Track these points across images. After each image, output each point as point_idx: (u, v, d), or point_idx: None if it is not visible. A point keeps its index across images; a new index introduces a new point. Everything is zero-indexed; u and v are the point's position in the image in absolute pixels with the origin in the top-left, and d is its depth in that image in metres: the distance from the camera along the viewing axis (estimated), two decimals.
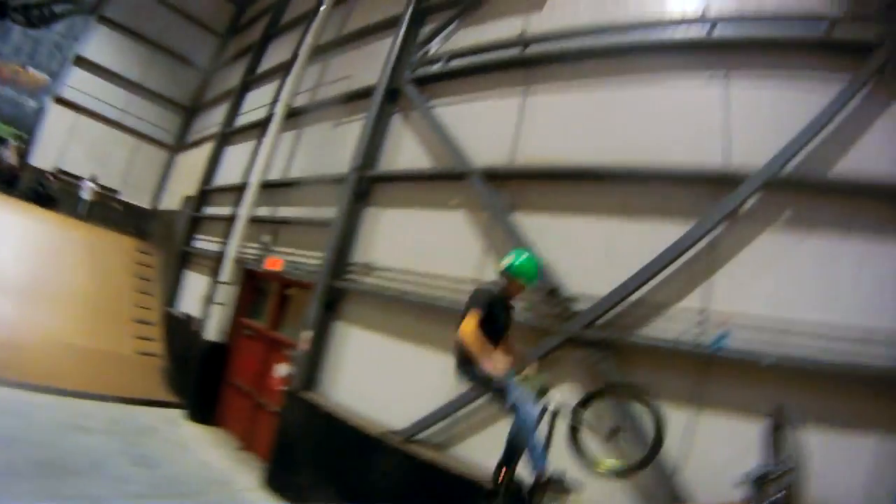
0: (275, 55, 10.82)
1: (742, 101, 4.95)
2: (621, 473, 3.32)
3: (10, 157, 13.58)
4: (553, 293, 5.12)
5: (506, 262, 3.64)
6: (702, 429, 4.31)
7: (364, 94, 7.50)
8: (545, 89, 5.99)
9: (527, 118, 5.98)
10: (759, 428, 3.80)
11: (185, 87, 14.98)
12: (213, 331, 8.92)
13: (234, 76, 12.09)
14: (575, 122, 5.66)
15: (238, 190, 9.41)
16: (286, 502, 6.24)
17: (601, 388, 3.42)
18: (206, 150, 11.62)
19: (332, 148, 7.79)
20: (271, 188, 8.82)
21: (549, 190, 5.54)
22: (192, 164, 12.26)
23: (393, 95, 7.18)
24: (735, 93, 5.01)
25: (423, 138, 6.77)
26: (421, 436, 5.47)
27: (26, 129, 14.09)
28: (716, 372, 4.42)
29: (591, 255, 5.17)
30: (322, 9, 8.87)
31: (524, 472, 3.52)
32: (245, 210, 8.79)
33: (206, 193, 11.08)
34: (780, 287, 4.41)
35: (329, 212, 7.25)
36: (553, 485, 3.25)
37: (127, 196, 14.75)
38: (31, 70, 14.12)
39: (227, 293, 8.89)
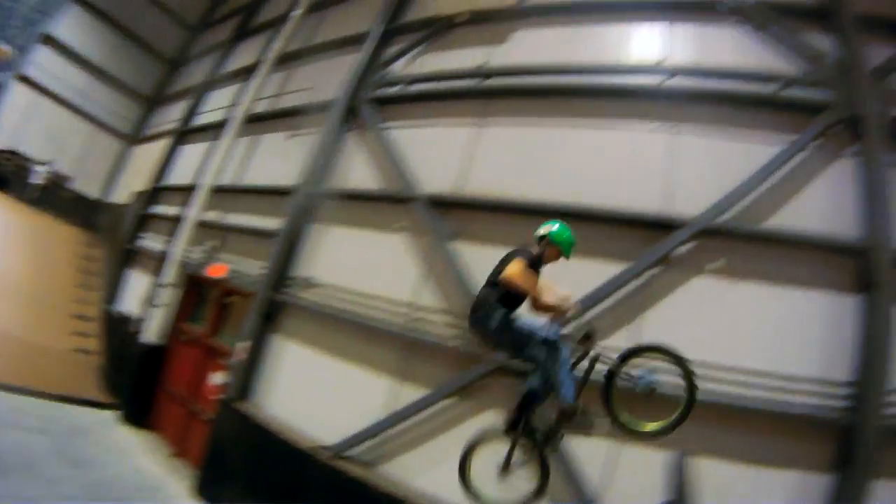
0: (241, 57, 10.70)
1: (688, 150, 5.24)
2: (659, 433, 3.33)
3: None
4: None
5: (546, 228, 3.64)
6: (624, 460, 4.50)
7: (322, 108, 7.49)
8: (499, 122, 6.15)
9: (478, 149, 6.10)
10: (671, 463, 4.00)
11: (149, 77, 14.59)
12: (151, 333, 8.67)
13: (198, 73, 11.90)
14: (524, 157, 5.82)
15: (189, 191, 9.22)
16: None
17: (641, 346, 3.43)
18: (161, 145, 11.33)
19: (286, 159, 7.73)
20: (222, 193, 8.68)
21: (493, 222, 5.65)
22: (146, 158, 11.92)
23: (350, 113, 7.19)
24: (682, 141, 5.28)
25: (375, 159, 6.80)
26: (351, 452, 5.47)
27: None
28: (640, 407, 4.58)
29: None
30: (294, 14, 8.88)
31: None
32: (194, 212, 8.62)
33: (157, 191, 10.80)
34: (708, 331, 4.62)
35: (276, 223, 7.18)
36: (578, 418, 3.29)
37: (79, 185, 14.25)
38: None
39: (168, 296, 8.67)
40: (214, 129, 9.46)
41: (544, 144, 5.78)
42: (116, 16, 14.41)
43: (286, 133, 8.19)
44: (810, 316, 4.40)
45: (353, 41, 7.88)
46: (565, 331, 3.55)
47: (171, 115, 11.81)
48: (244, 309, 7.17)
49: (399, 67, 7.27)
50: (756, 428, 4.21)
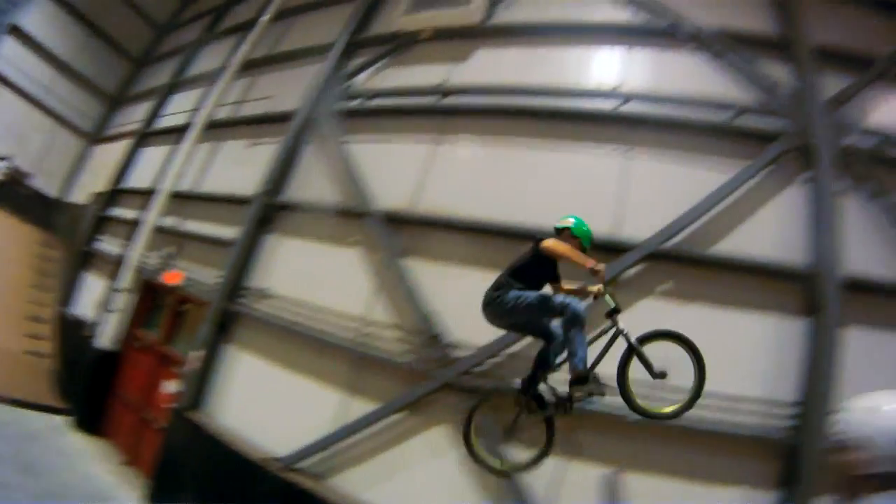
0: (207, 60, 10.58)
1: (640, 174, 5.40)
2: (673, 415, 3.42)
3: None
4: (434, 339, 5.29)
5: (567, 221, 3.72)
6: (570, 477, 4.60)
7: (283, 118, 7.47)
8: (456, 140, 6.23)
9: (435, 166, 6.18)
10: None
11: (114, 76, 14.25)
12: (106, 338, 8.52)
13: (164, 74, 11.72)
14: (480, 177, 5.92)
15: (148, 195, 9.07)
16: None
17: (659, 332, 3.48)
18: (122, 146, 11.13)
19: (245, 167, 7.69)
20: (181, 199, 8.58)
21: (445, 240, 5.72)
22: (107, 158, 11.66)
23: (311, 124, 7.18)
24: (635, 165, 5.44)
25: (333, 171, 6.81)
26: (302, 465, 5.47)
27: None
28: (586, 425, 4.72)
29: (476, 305, 5.32)
30: (262, 19, 8.86)
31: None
32: (152, 217, 8.50)
33: (116, 193, 10.60)
34: (656, 351, 4.74)
35: (233, 232, 7.14)
36: (590, 385, 3.33)
37: (38, 182, 13.87)
38: None
39: (123, 301, 8.55)
40: (176, 133, 9.35)
41: (500, 164, 5.90)
42: (85, 10, 14.07)
43: (247, 141, 8.15)
44: (757, 338, 4.58)
45: (317, 52, 7.89)
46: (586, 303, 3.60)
47: (134, 116, 11.60)
48: (199, 317, 7.11)
49: (361, 81, 7.30)
50: (702, 446, 4.35)
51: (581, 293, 3.70)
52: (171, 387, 7.13)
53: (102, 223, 10.65)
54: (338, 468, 5.45)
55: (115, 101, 13.53)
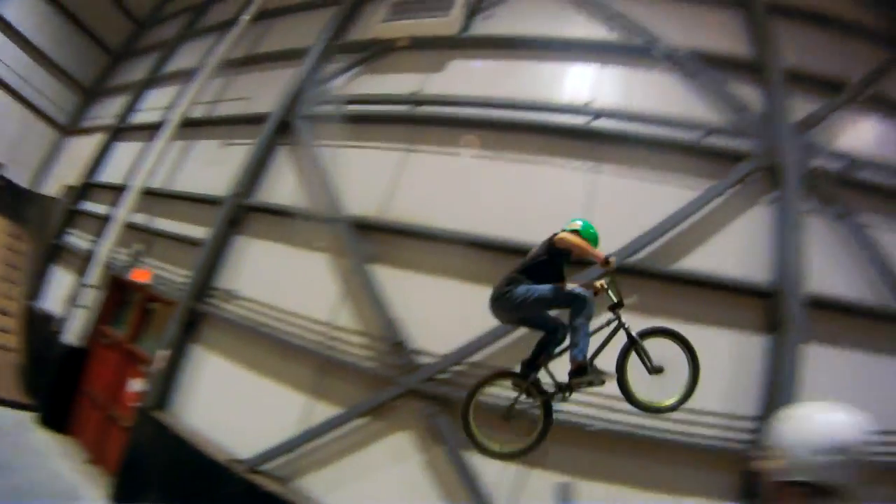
0: (184, 58, 10.51)
1: (608, 189, 5.50)
2: (670, 409, 3.45)
3: None
4: (399, 345, 5.35)
5: (575, 224, 3.72)
6: (531, 484, 4.70)
7: (258, 119, 7.47)
8: (427, 149, 6.30)
9: (405, 174, 6.23)
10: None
11: (91, 68, 14.05)
12: (73, 334, 8.43)
13: (141, 69, 11.61)
14: (449, 187, 5.99)
15: (119, 190, 8.99)
16: None
17: (659, 329, 3.54)
18: (97, 139, 10.99)
19: (218, 167, 7.67)
20: (152, 196, 8.52)
21: (413, 248, 5.78)
22: (81, 151, 11.50)
23: (284, 127, 7.20)
24: (603, 181, 5.54)
25: (304, 176, 6.84)
26: (266, 467, 5.49)
27: None
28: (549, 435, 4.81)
29: (441, 314, 5.47)
30: (242, 18, 8.85)
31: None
32: (122, 213, 8.44)
33: (88, 187, 10.47)
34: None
35: (203, 232, 7.13)
36: (590, 375, 3.37)
37: (10, 173, 13.63)
38: None
39: (91, 297, 8.47)
40: (150, 130, 9.27)
41: (469, 175, 5.98)
42: (65, 1, 13.84)
43: (220, 141, 8.13)
44: (720, 353, 4.68)
45: (295, 55, 7.89)
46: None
47: (110, 110, 11.45)
48: (166, 316, 7.07)
49: (336, 86, 7.33)
50: (664, 458, 4.49)
51: (585, 288, 3.73)
52: (137, 385, 7.09)
53: (73, 217, 10.50)
54: (302, 471, 5.48)
55: (92, 94, 13.33)
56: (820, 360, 4.70)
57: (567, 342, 3.49)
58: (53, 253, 10.53)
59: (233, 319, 6.43)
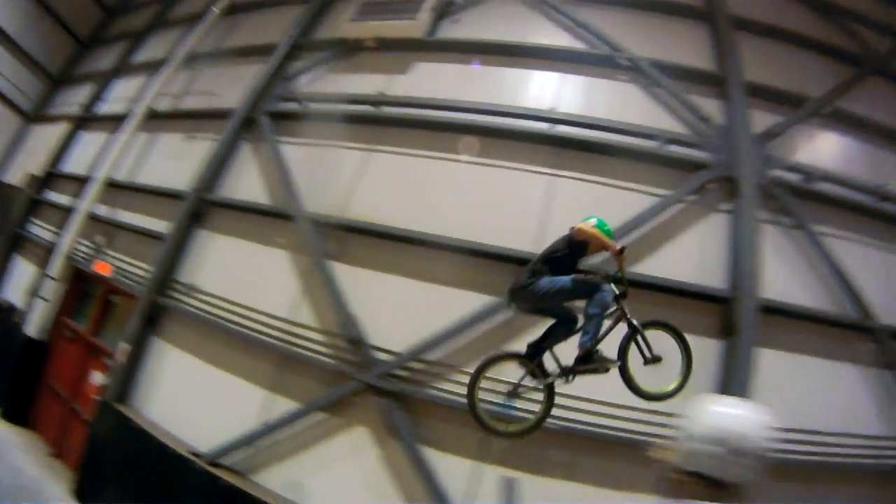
0: (153, 49, 10.36)
1: (566, 195, 5.64)
2: (666, 396, 3.55)
3: None
4: (356, 342, 5.46)
5: (591, 221, 3.73)
6: (487, 479, 4.85)
7: (222, 114, 7.46)
8: (390, 150, 6.38)
9: (367, 174, 6.32)
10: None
11: (58, 55, 13.73)
12: (34, 326, 8.34)
13: (108, 58, 11.41)
14: (411, 188, 6.09)
15: (83, 181, 8.89)
16: None
17: (658, 320, 3.65)
18: (61, 128, 10.79)
19: (181, 161, 7.64)
20: (115, 188, 8.44)
21: (373, 247, 5.88)
22: (45, 140, 11.29)
23: (248, 123, 7.21)
24: (561, 186, 5.68)
25: (267, 172, 6.88)
26: (226, 460, 5.56)
27: None
28: None
29: (399, 312, 5.60)
30: (212, 10, 8.80)
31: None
32: (85, 205, 8.36)
33: (52, 177, 10.29)
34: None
35: (165, 225, 7.13)
36: (595, 362, 3.48)
37: None
38: None
39: (53, 288, 8.39)
40: (116, 121, 9.16)
41: (430, 177, 6.09)
42: None
43: (184, 135, 8.10)
44: (674, 357, 4.89)
45: (261, 51, 7.89)
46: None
47: (75, 98, 11.23)
48: (127, 309, 7.07)
49: (301, 84, 7.36)
50: (618, 456, 4.67)
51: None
52: (98, 378, 7.09)
53: (36, 207, 10.32)
54: (261, 465, 5.57)
55: (58, 82, 13.04)
56: (772, 364, 4.97)
57: (581, 330, 3.60)
58: (15, 243, 10.33)
59: (194, 314, 6.46)
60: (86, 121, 10.44)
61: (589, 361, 3.51)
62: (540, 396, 3.75)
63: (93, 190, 8.37)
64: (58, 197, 9.77)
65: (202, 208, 7.00)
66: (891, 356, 5.37)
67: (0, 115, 13.46)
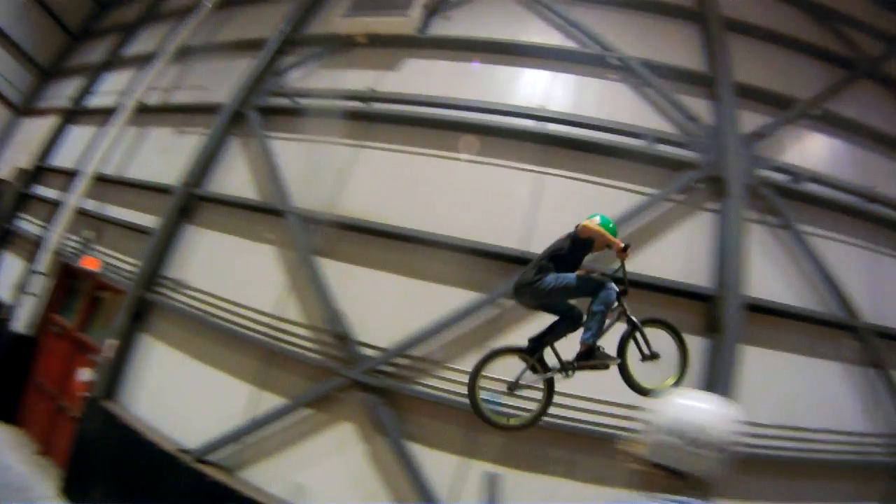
0: (144, 42, 10.28)
1: (553, 193, 5.66)
2: (662, 391, 3.49)
3: None
4: (343, 338, 5.46)
5: (595, 219, 3.74)
6: (473, 474, 4.88)
7: (212, 109, 7.41)
8: (379, 146, 6.37)
9: (356, 170, 6.30)
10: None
11: (48, 47, 13.64)
12: (22, 322, 8.29)
13: (99, 51, 11.33)
14: (399, 184, 6.09)
15: (71, 175, 8.82)
16: None
17: (656, 318, 3.66)
18: (50, 121, 10.71)
19: (170, 156, 7.59)
20: (104, 182, 8.38)
21: (361, 243, 5.87)
22: (34, 133, 11.20)
23: (238, 118, 7.17)
24: (549, 184, 5.70)
25: (256, 168, 6.86)
26: (213, 457, 5.55)
27: None
28: (486, 427, 4.94)
29: (385, 308, 5.60)
30: (204, 3, 8.75)
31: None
32: (74, 199, 8.30)
33: (40, 171, 10.21)
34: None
35: (153, 220, 7.08)
36: (595, 358, 3.48)
37: None
38: None
39: (41, 284, 8.33)
40: (105, 114, 9.09)
41: (419, 173, 6.09)
42: None
43: (174, 129, 8.05)
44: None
45: (252, 45, 7.83)
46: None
47: (65, 91, 11.14)
48: (115, 305, 7.03)
49: (292, 79, 7.33)
50: (600, 451, 4.70)
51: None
52: (85, 375, 7.03)
53: (24, 201, 10.23)
54: (248, 461, 5.56)
55: (48, 74, 12.94)
56: (758, 362, 5.03)
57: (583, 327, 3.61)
58: (3, 237, 10.26)
59: (181, 309, 6.43)
60: (75, 114, 10.36)
61: (590, 357, 3.52)
62: (538, 392, 3.77)
63: (81, 184, 8.31)
64: (46, 191, 9.69)
65: (191, 203, 6.96)
66: (874, 354, 5.44)
67: None
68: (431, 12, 7.02)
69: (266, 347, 5.77)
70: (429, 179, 6.02)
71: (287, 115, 6.98)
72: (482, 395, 3.72)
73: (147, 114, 8.56)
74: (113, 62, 10.52)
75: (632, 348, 3.53)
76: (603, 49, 6.29)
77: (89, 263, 7.69)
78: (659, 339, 3.59)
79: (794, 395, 5.19)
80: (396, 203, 5.93)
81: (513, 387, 3.75)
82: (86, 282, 8.19)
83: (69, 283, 8.51)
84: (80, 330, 7.86)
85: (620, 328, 3.57)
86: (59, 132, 10.40)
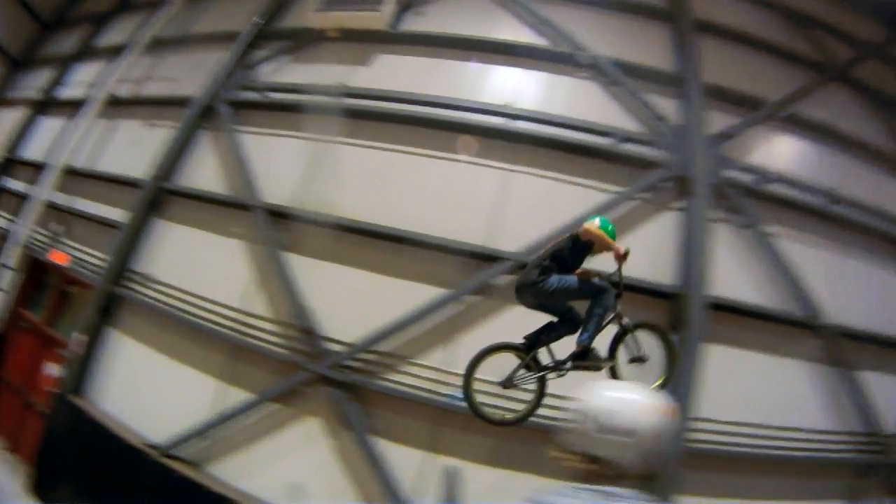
0: (117, 33, 10.08)
1: (520, 190, 5.71)
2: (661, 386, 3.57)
3: None
4: (309, 332, 5.46)
5: (595, 221, 3.76)
6: (438, 469, 4.91)
7: (183, 102, 7.32)
8: (349, 142, 6.34)
9: (325, 166, 6.28)
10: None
11: (19, 36, 13.43)
12: None
13: (70, 41, 11.11)
14: (367, 180, 6.09)
15: (40, 168, 8.67)
16: None
17: (647, 322, 3.70)
18: (20, 112, 10.50)
19: (140, 149, 7.48)
20: (73, 175, 8.25)
21: (328, 239, 5.85)
22: (2, 124, 10.95)
23: (208, 111, 7.09)
24: (516, 181, 5.74)
25: (225, 161, 6.80)
26: (180, 452, 5.55)
27: None
28: (450, 422, 5.04)
29: (352, 303, 5.62)
30: None
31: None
32: (43, 192, 8.18)
33: (9, 163, 10.01)
34: None
35: (122, 214, 7.01)
36: (590, 359, 3.55)
37: None
38: None
39: (9, 279, 8.20)
40: (75, 106, 8.94)
41: (387, 169, 6.10)
42: None
43: (144, 122, 7.93)
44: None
45: (224, 38, 7.73)
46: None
47: (36, 82, 10.91)
48: (84, 300, 6.96)
49: (263, 73, 7.26)
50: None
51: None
52: (53, 370, 6.96)
53: None
54: (215, 456, 5.58)
55: (18, 64, 12.67)
56: (720, 359, 5.13)
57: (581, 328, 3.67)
58: None
59: (149, 304, 6.38)
60: (46, 105, 10.16)
61: (585, 358, 3.59)
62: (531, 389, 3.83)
63: (51, 177, 8.18)
64: (15, 184, 9.51)
65: (160, 197, 6.89)
66: (836, 353, 5.56)
67: None
68: (404, 8, 6.99)
69: (233, 342, 5.76)
70: (397, 175, 6.03)
71: (257, 110, 6.93)
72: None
73: (117, 106, 8.43)
74: (84, 53, 10.32)
75: (621, 350, 3.61)
76: (574, 47, 6.31)
77: (58, 258, 7.58)
78: (645, 342, 3.65)
79: (757, 393, 5.30)
80: (364, 199, 5.93)
81: (507, 383, 3.79)
82: (54, 276, 8.08)
83: (37, 277, 8.37)
84: (49, 325, 7.76)
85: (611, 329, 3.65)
86: (28, 123, 10.18)
